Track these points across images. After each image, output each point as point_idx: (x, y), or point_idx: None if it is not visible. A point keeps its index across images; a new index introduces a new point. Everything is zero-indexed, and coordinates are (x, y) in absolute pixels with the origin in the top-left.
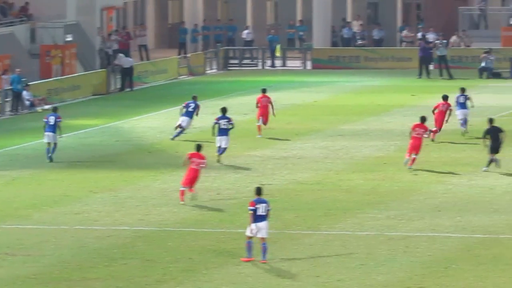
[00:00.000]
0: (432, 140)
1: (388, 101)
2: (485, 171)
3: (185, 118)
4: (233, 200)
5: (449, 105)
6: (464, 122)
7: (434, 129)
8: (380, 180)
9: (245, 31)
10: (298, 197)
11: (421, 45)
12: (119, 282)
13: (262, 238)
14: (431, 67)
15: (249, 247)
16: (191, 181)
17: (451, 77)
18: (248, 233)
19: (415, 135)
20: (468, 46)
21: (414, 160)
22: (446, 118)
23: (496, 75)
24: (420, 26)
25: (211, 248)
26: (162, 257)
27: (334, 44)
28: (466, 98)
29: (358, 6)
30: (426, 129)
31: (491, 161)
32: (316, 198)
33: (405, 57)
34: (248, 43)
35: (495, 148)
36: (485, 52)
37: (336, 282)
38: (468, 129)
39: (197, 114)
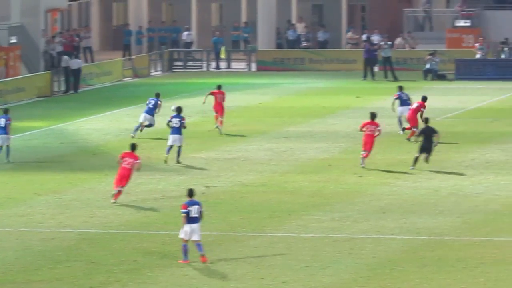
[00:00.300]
0: (408, 139)
1: (333, 103)
2: (412, 169)
3: (143, 114)
4: (178, 202)
5: (423, 105)
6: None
7: (413, 129)
8: (325, 182)
9: (185, 33)
10: (243, 199)
11: (365, 47)
12: (64, 284)
13: (196, 240)
14: (376, 69)
15: (185, 250)
16: (121, 180)
17: (396, 79)
18: (182, 236)
19: (368, 132)
20: (413, 48)
21: (366, 156)
22: (419, 116)
23: (441, 77)
24: (365, 30)
25: (156, 250)
26: (107, 259)
27: (279, 46)
28: (408, 96)
29: (303, 8)
30: (377, 125)
31: (426, 160)
32: (261, 200)
33: (350, 59)
34: (188, 44)
35: (426, 148)
36: (430, 54)
37: (281, 284)
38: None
39: (157, 112)
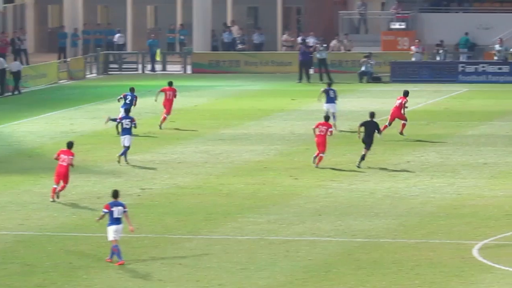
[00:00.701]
0: (401, 133)
1: (268, 106)
2: (358, 166)
3: (122, 110)
4: None
5: (405, 100)
6: (334, 117)
7: (404, 122)
8: (261, 185)
9: (117, 35)
10: (178, 201)
11: (301, 49)
12: None
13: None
14: (311, 71)
15: (118, 251)
16: (59, 177)
17: (331, 81)
18: (110, 238)
19: (319, 133)
20: (349, 50)
21: (321, 159)
22: (403, 111)
23: (376, 79)
24: (300, 32)
25: (91, 252)
26: (42, 262)
27: (214, 48)
28: (335, 93)
29: (238, 11)
30: (329, 126)
31: (363, 156)
32: (197, 202)
33: (286, 62)
34: (121, 46)
35: (366, 142)
36: (365, 57)
37: (217, 286)
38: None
39: (134, 105)
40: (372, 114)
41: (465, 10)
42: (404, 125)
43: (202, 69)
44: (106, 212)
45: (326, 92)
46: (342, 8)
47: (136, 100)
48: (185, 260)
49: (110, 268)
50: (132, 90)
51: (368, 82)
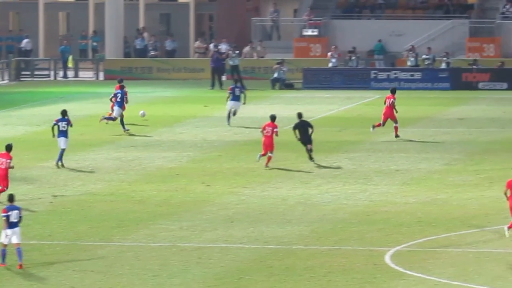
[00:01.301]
0: (397, 136)
1: (181, 112)
2: (313, 161)
3: (116, 108)
4: (24, 211)
5: (394, 98)
6: (234, 113)
7: (395, 125)
8: (173, 191)
9: (25, 40)
10: (91, 208)
11: (213, 56)
12: None
13: (17, 244)
14: (224, 78)
15: (3, 254)
16: None
17: (244, 87)
18: (1, 240)
19: (266, 134)
20: (262, 57)
21: (270, 158)
22: (395, 110)
23: (289, 86)
24: (213, 39)
25: None
26: None
27: (126, 55)
28: (241, 90)
29: (151, 17)
30: (275, 126)
31: (310, 151)
32: (109, 209)
33: (198, 68)
34: (28, 52)
35: (306, 139)
36: (278, 63)
37: None
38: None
39: (126, 102)
40: (300, 115)
41: (377, 17)
42: (396, 128)
43: (114, 75)
44: (5, 216)
45: (233, 90)
46: (254, 14)
47: (127, 97)
48: (97, 267)
49: (20, 275)
50: (122, 87)
51: (280, 88)
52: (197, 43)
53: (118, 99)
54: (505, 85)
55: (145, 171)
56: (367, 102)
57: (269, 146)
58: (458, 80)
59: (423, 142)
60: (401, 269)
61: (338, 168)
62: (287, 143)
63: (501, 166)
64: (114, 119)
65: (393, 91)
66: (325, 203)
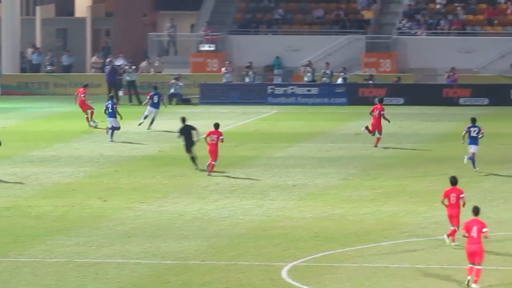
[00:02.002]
0: (376, 146)
1: (77, 127)
2: (196, 169)
3: (109, 119)
4: None
5: (382, 108)
6: (152, 121)
7: (378, 136)
8: (70, 207)
9: None
10: None
11: (109, 71)
12: None
13: None
14: (120, 93)
15: None
16: None
17: (140, 103)
18: None
19: (210, 141)
20: (159, 72)
21: (213, 166)
22: (387, 119)
23: (186, 101)
24: (109, 54)
25: None
26: None
27: (23, 70)
28: (160, 98)
29: (47, 32)
30: (220, 134)
31: (192, 158)
32: (5, 224)
33: (95, 83)
34: None
35: (189, 145)
36: (175, 78)
37: None
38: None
39: (118, 113)
40: (183, 119)
41: (274, 32)
42: (379, 139)
43: (10, 90)
44: None
45: (152, 97)
46: (151, 29)
47: (116, 107)
48: None
49: None
50: (111, 97)
51: (177, 104)
52: (94, 58)
53: (110, 110)
54: (401, 100)
55: (41, 186)
56: (264, 117)
57: (213, 153)
58: (355, 95)
59: (319, 157)
60: (298, 284)
61: (235, 183)
62: (184, 158)
63: (398, 181)
64: (118, 128)
65: (380, 101)
66: (222, 218)
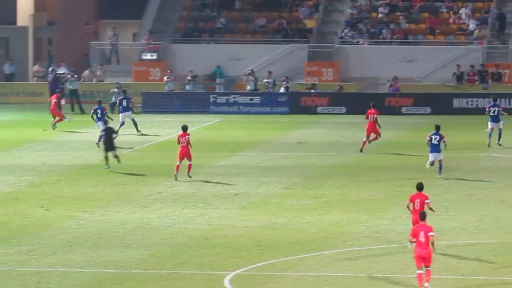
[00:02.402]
0: (361, 151)
1: (19, 136)
2: (107, 168)
3: (98, 123)
4: None
5: (377, 112)
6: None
7: (369, 139)
8: (12, 215)
9: None
10: None
11: (52, 80)
12: None
13: None
14: (62, 102)
15: None
16: None
17: (82, 111)
18: None
19: (182, 144)
20: (101, 81)
21: (190, 166)
22: (378, 125)
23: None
24: (52, 62)
25: None
26: None
27: None
28: (129, 101)
29: None
30: (188, 135)
31: (106, 158)
32: None
33: (37, 92)
34: None
35: (108, 146)
36: (116, 87)
37: None
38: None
39: (107, 117)
40: (105, 122)
41: (216, 41)
42: (364, 142)
43: None
44: None
45: (121, 101)
46: (93, 38)
47: (106, 112)
48: None
49: None
50: (99, 102)
51: (119, 112)
52: (36, 67)
53: (99, 115)
54: (343, 109)
55: None
56: (206, 126)
57: (186, 155)
58: (297, 104)
59: (262, 166)
60: None
61: (178, 192)
62: (126, 167)
63: (340, 190)
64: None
65: (374, 106)
66: (164, 227)
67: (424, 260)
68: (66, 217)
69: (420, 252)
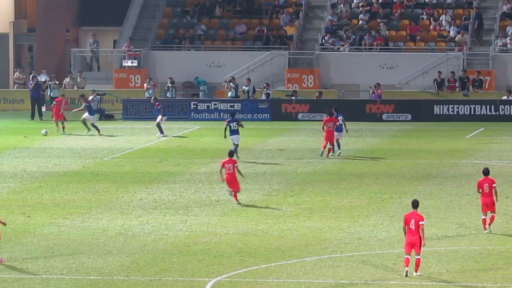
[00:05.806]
0: (327, 156)
1: (0, 143)
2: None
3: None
4: None
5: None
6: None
7: (329, 147)
8: None
9: None
10: None
11: (33, 87)
12: None
13: None
14: (43, 108)
15: None
16: None
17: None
18: None
19: (227, 172)
20: (81, 87)
21: (235, 195)
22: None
23: (109, 117)
24: (33, 69)
25: None
26: None
27: None
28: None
29: None
30: (234, 162)
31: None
32: None
33: (18, 99)
34: None
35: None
36: (98, 94)
37: None
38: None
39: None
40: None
41: (196, 48)
42: (330, 149)
43: None
44: None
45: (89, 103)
46: (74, 45)
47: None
48: None
49: None
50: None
51: (100, 119)
52: (17, 74)
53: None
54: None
55: None
56: (187, 133)
57: (233, 182)
58: (278, 111)
59: (243, 173)
60: None
61: (159, 198)
62: (107, 173)
63: (321, 197)
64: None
65: (331, 114)
66: (145, 233)
67: (413, 246)
68: (47, 224)
69: (411, 238)
